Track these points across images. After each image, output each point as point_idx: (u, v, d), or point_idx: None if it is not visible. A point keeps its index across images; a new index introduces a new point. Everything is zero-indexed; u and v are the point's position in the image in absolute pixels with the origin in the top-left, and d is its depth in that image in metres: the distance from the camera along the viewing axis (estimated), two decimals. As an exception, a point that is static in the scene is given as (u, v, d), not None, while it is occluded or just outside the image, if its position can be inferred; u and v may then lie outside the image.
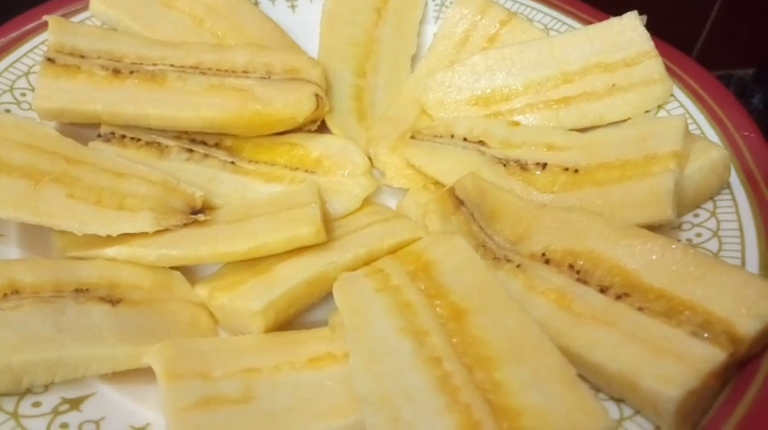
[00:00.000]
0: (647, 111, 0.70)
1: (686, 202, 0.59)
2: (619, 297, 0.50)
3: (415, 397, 0.40)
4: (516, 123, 0.67)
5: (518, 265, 0.54)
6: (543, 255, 0.54)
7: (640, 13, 0.71)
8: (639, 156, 0.59)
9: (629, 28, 0.70)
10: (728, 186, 0.62)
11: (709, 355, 0.44)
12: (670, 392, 0.42)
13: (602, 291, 0.50)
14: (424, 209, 0.59)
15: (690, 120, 0.67)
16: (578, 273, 0.52)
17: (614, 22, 0.71)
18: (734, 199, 0.61)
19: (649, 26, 0.72)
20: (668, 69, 0.70)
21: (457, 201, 0.58)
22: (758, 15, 1.11)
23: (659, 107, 0.70)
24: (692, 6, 1.12)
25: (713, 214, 0.60)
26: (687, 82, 0.71)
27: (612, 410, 0.47)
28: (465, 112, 0.71)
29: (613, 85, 0.69)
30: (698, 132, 0.66)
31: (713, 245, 0.57)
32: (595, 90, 0.69)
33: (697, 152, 0.59)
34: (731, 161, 0.62)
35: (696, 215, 0.61)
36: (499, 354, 0.42)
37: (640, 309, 0.49)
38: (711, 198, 0.61)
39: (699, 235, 0.59)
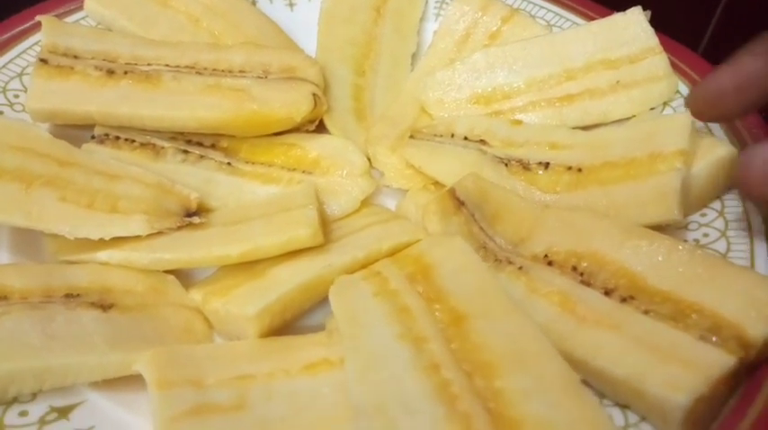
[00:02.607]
0: (652, 109, 0.68)
1: (693, 202, 0.58)
2: (624, 299, 0.48)
3: (413, 406, 0.38)
4: (518, 122, 0.66)
5: (520, 267, 0.52)
6: (546, 256, 0.53)
7: (645, 10, 0.69)
8: (645, 155, 0.57)
9: (633, 24, 0.69)
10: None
11: (718, 360, 0.43)
12: (678, 399, 0.41)
13: (607, 293, 0.49)
14: (423, 209, 0.58)
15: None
16: (582, 275, 0.51)
17: (618, 17, 0.69)
18: (742, 198, 0.59)
19: (654, 24, 0.70)
20: (673, 65, 0.69)
21: (458, 201, 0.56)
22: (763, 14, 1.10)
23: (664, 104, 0.68)
24: (697, 5, 1.11)
25: (721, 214, 0.58)
26: (693, 78, 0.70)
27: (617, 417, 0.45)
28: (466, 111, 0.69)
29: (617, 81, 0.67)
30: (704, 129, 0.64)
31: (721, 245, 0.56)
32: (599, 87, 0.68)
33: (704, 149, 0.58)
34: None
35: (703, 215, 0.59)
36: (500, 361, 0.41)
37: (646, 312, 0.47)
38: (719, 197, 0.59)
39: (706, 235, 0.57)
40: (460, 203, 0.54)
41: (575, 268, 0.51)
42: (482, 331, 0.43)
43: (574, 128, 0.65)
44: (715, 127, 0.65)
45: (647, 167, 0.57)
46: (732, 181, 0.55)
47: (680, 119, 0.58)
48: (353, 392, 0.40)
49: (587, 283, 0.50)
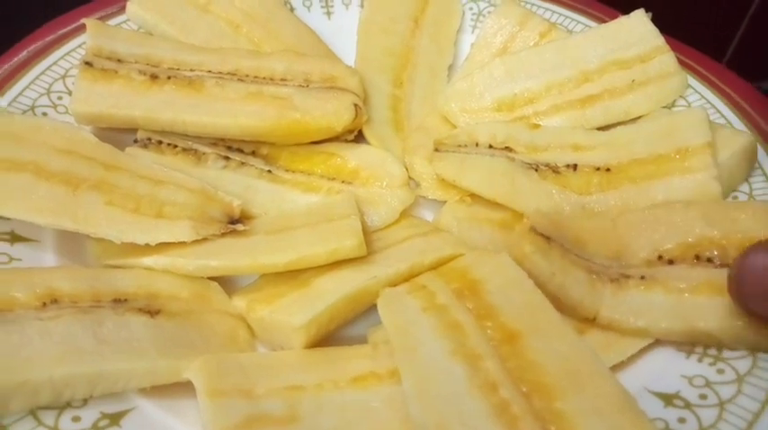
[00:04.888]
0: (671, 105, 0.71)
1: (723, 190, 0.60)
2: None
3: (474, 425, 0.38)
4: (537, 125, 0.67)
5: (642, 277, 0.53)
6: (660, 257, 0.53)
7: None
8: (672, 150, 0.60)
9: (639, 25, 0.71)
10: (759, 166, 0.64)
11: None
12: None
13: None
14: (519, 252, 0.53)
15: (712, 110, 0.69)
16: (709, 260, 0.52)
17: (623, 20, 0.72)
18: (766, 177, 0.63)
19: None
20: (680, 62, 0.71)
21: (543, 236, 0.53)
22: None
23: (674, 100, 0.71)
24: (721, 18, 1.11)
25: (750, 195, 0.62)
26: (701, 72, 0.73)
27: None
28: (490, 118, 0.70)
29: (633, 80, 0.69)
30: (721, 120, 0.68)
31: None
32: (617, 87, 0.69)
33: (725, 140, 0.61)
34: (758, 143, 0.64)
35: (735, 197, 0.62)
36: (556, 381, 0.41)
37: None
38: (746, 179, 0.63)
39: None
40: (547, 238, 0.53)
41: (697, 257, 0.52)
42: (535, 350, 0.43)
43: (598, 127, 0.67)
44: (729, 115, 0.68)
45: (678, 163, 0.60)
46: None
47: (696, 113, 0.62)
48: (413, 408, 0.40)
49: (725, 265, 0.51)
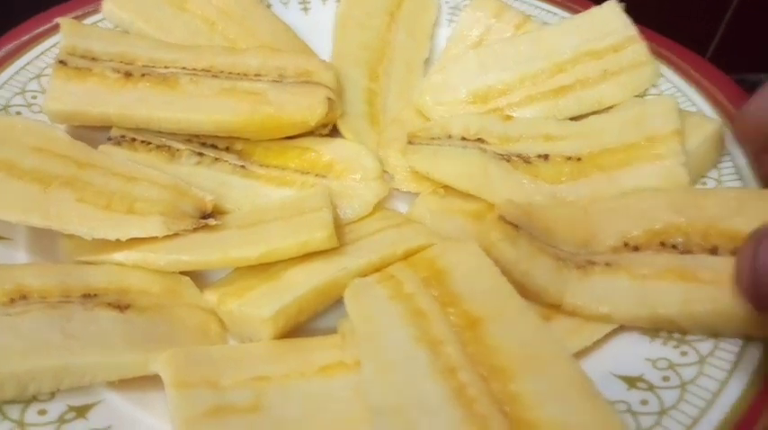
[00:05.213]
0: (643, 94, 0.71)
1: (692, 176, 0.60)
2: (733, 252, 0.50)
3: (431, 408, 0.39)
4: (510, 117, 0.67)
5: (607, 264, 0.53)
6: (626, 244, 0.54)
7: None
8: (641, 139, 0.61)
9: (611, 16, 0.71)
10: (728, 152, 0.64)
11: None
12: None
13: (713, 252, 0.51)
14: (488, 241, 0.53)
15: (683, 97, 0.69)
16: (674, 247, 0.52)
17: (596, 11, 0.72)
18: (735, 164, 0.63)
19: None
20: (653, 51, 0.72)
21: (512, 225, 0.54)
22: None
23: (647, 88, 0.71)
24: (705, 11, 1.11)
25: (719, 181, 0.62)
26: (673, 60, 0.73)
27: (629, 422, 0.45)
28: (464, 111, 0.70)
29: (605, 70, 0.70)
30: (692, 107, 0.68)
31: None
32: (589, 77, 0.70)
33: (693, 127, 0.62)
34: (727, 129, 0.64)
35: (704, 184, 0.62)
36: (515, 365, 0.41)
37: None
38: (715, 166, 0.63)
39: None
40: (516, 226, 0.53)
41: (662, 244, 0.53)
42: (496, 335, 0.44)
43: (571, 117, 0.68)
44: (700, 102, 0.69)
45: (647, 150, 0.60)
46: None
47: (665, 101, 0.63)
48: (371, 393, 0.41)
49: (688, 251, 0.52)
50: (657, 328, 0.51)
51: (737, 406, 0.45)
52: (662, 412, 0.45)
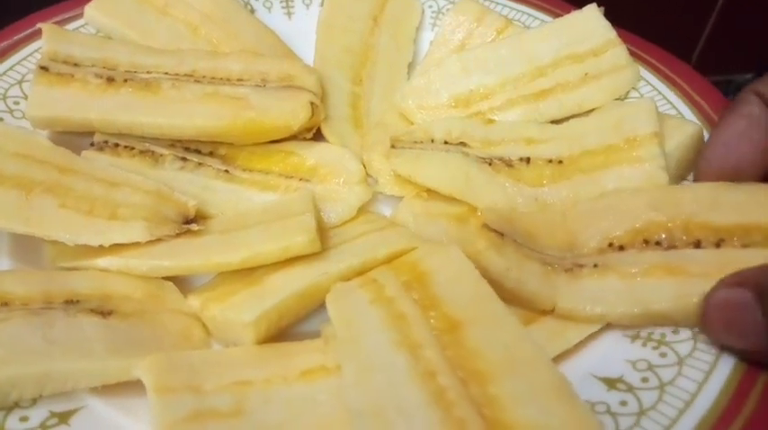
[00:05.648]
0: (624, 97, 0.72)
1: (672, 178, 0.61)
2: (717, 244, 0.51)
3: (409, 411, 0.39)
4: (491, 121, 0.68)
5: (595, 265, 0.54)
6: (611, 244, 0.54)
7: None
8: (621, 141, 0.61)
9: (592, 19, 0.72)
10: None
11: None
12: None
13: (697, 245, 0.52)
14: (473, 249, 0.53)
15: (663, 100, 0.70)
16: (658, 244, 0.53)
17: (576, 15, 0.73)
18: None
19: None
20: (633, 54, 0.73)
21: (496, 232, 0.54)
22: (757, 20, 1.11)
23: (628, 91, 0.72)
24: (691, 12, 1.12)
25: None
26: (653, 63, 0.74)
27: (608, 424, 0.46)
28: (446, 115, 0.71)
29: (586, 74, 0.70)
30: (672, 110, 0.69)
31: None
32: (570, 81, 0.70)
33: (672, 130, 0.62)
34: (706, 132, 0.65)
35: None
36: (493, 368, 0.41)
37: (745, 246, 0.50)
38: (691, 170, 0.64)
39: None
40: (500, 234, 0.53)
41: (646, 241, 0.53)
42: (476, 338, 0.44)
43: (552, 120, 0.69)
44: (680, 105, 0.70)
45: (626, 152, 0.61)
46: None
47: (644, 104, 0.63)
48: (350, 396, 0.41)
49: (673, 247, 0.53)
50: (651, 325, 0.52)
51: (715, 406, 0.45)
52: (641, 413, 0.46)
